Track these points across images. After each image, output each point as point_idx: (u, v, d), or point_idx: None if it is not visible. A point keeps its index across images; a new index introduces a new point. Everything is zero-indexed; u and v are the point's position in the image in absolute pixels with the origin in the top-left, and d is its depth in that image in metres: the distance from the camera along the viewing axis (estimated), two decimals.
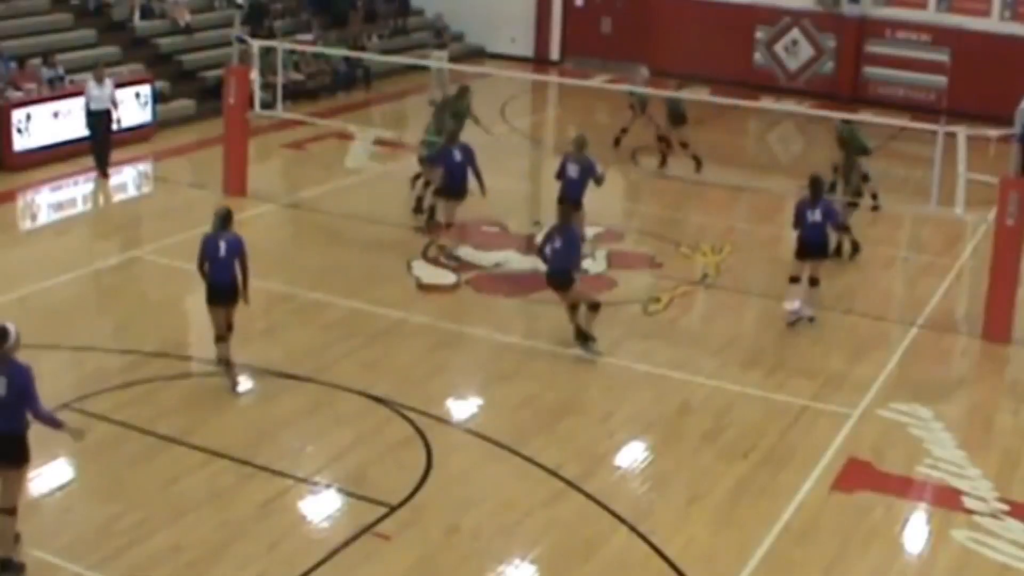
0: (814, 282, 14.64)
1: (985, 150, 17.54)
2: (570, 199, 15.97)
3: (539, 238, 14.58)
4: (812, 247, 14.56)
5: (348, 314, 14.55)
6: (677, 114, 20.51)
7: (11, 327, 9.12)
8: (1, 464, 9.05)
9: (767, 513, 10.68)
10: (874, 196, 17.74)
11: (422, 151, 17.87)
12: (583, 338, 13.54)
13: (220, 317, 12.18)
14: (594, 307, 13.54)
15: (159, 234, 16.99)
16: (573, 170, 16.09)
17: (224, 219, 12.18)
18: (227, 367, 12.33)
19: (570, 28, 30.53)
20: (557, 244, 13.52)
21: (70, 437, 9.46)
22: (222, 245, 12.06)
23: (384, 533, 10.07)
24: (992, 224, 15.43)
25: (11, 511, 9.14)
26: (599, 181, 16.21)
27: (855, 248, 17.01)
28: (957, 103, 25.73)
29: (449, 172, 16.21)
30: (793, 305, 14.65)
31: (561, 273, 13.50)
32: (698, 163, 20.45)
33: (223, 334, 12.22)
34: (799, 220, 14.55)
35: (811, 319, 14.65)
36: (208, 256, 12.06)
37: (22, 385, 8.93)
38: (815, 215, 14.41)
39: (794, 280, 14.67)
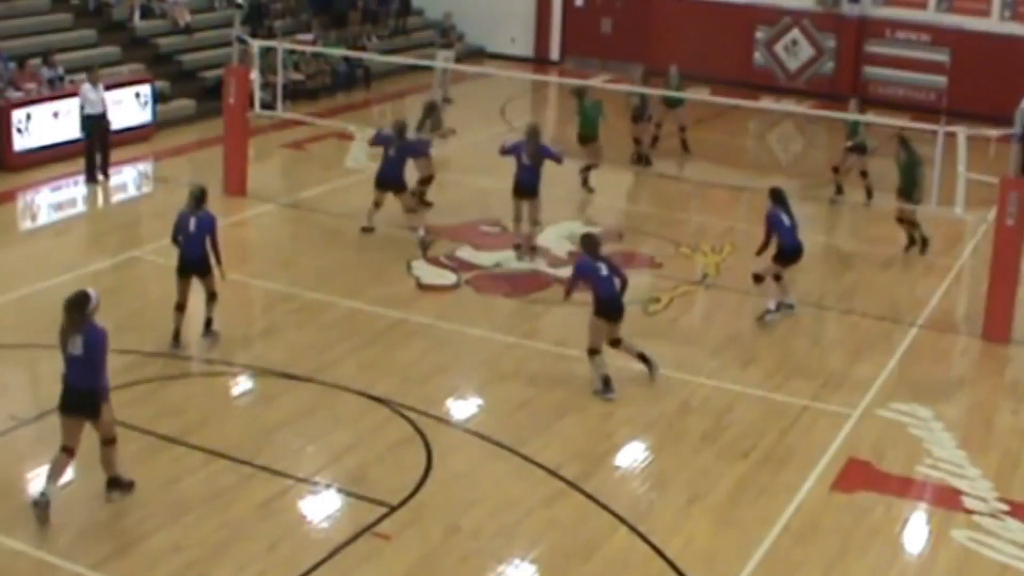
0: (778, 277, 14.77)
1: (985, 150, 17.56)
2: (525, 187, 16.25)
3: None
4: (798, 252, 14.66)
5: (348, 314, 14.55)
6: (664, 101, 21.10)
7: (92, 292, 10.18)
8: (83, 416, 10.03)
9: (767, 513, 10.68)
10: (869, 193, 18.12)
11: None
12: (645, 358, 13.28)
13: (185, 288, 13.25)
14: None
15: (159, 234, 16.91)
16: (526, 156, 16.31)
17: (198, 198, 13.18)
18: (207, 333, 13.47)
19: (570, 28, 30.53)
20: (604, 273, 12.59)
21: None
22: (193, 222, 13.05)
23: (384, 533, 10.07)
24: (992, 224, 15.43)
25: (111, 441, 10.21)
26: (559, 160, 16.54)
27: (924, 243, 17.32)
28: (957, 103, 25.72)
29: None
30: (774, 303, 14.84)
31: (620, 299, 12.77)
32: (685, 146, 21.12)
33: (183, 303, 13.27)
34: (777, 228, 14.48)
35: (770, 313, 14.82)
36: (181, 231, 13.10)
37: (96, 347, 9.88)
38: (790, 220, 14.50)
39: (779, 278, 14.76)
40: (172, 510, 10.23)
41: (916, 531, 10.72)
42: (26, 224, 18.41)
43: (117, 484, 10.39)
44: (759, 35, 28.59)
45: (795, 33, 28.25)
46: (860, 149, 19.03)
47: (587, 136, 19.62)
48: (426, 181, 17.99)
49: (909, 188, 16.94)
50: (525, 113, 25.88)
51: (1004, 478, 11.48)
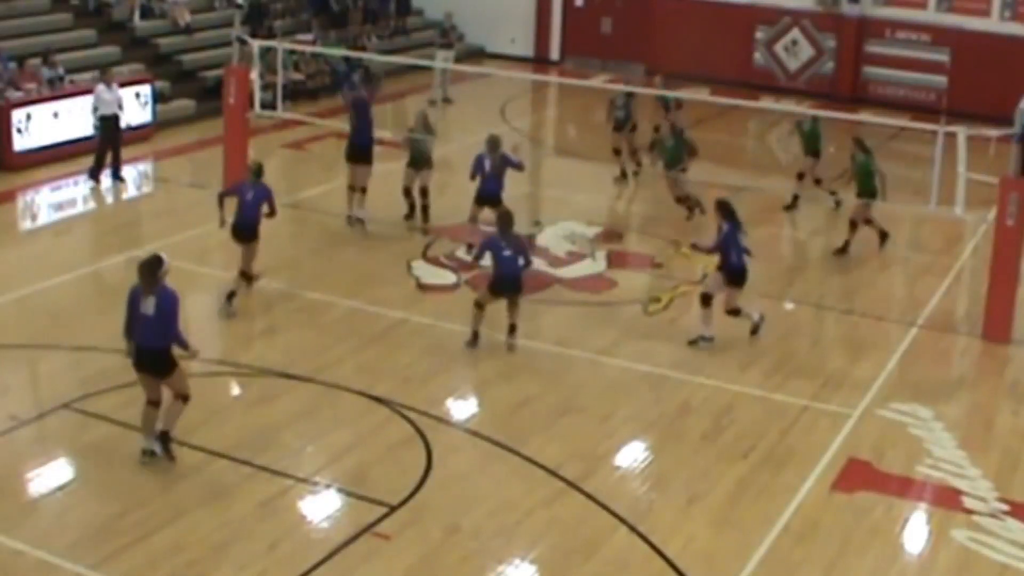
0: (736, 312, 13.95)
1: (985, 150, 17.55)
2: (489, 196, 16.22)
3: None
4: (745, 274, 13.84)
5: (348, 314, 14.56)
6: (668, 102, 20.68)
7: (164, 256, 10.90)
8: (153, 374, 10.66)
9: (767, 513, 10.68)
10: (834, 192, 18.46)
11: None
12: (513, 331, 13.76)
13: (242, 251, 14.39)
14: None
15: (159, 234, 16.98)
16: (488, 165, 16.34)
17: (257, 172, 14.50)
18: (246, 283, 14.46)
19: (570, 28, 30.52)
20: (507, 252, 13.53)
21: (189, 357, 10.90)
22: (251, 192, 14.29)
23: (384, 533, 10.07)
24: (992, 224, 15.43)
25: (182, 397, 10.76)
26: (520, 168, 16.57)
27: (883, 236, 17.29)
28: (957, 103, 25.72)
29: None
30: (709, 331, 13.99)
31: (517, 279, 13.59)
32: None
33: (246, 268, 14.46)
34: (732, 246, 13.76)
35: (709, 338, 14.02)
36: (239, 197, 14.39)
37: (168, 308, 10.53)
38: (743, 240, 13.87)
39: (735, 312, 13.92)
40: (172, 510, 10.23)
41: (916, 531, 10.72)
42: (26, 224, 18.41)
43: (166, 442, 10.83)
44: (759, 35, 28.59)
45: (795, 33, 28.25)
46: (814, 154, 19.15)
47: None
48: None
49: (867, 189, 16.89)
50: (525, 113, 25.92)
51: (1004, 478, 11.48)
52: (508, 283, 13.59)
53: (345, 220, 17.34)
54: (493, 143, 16.53)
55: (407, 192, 17.65)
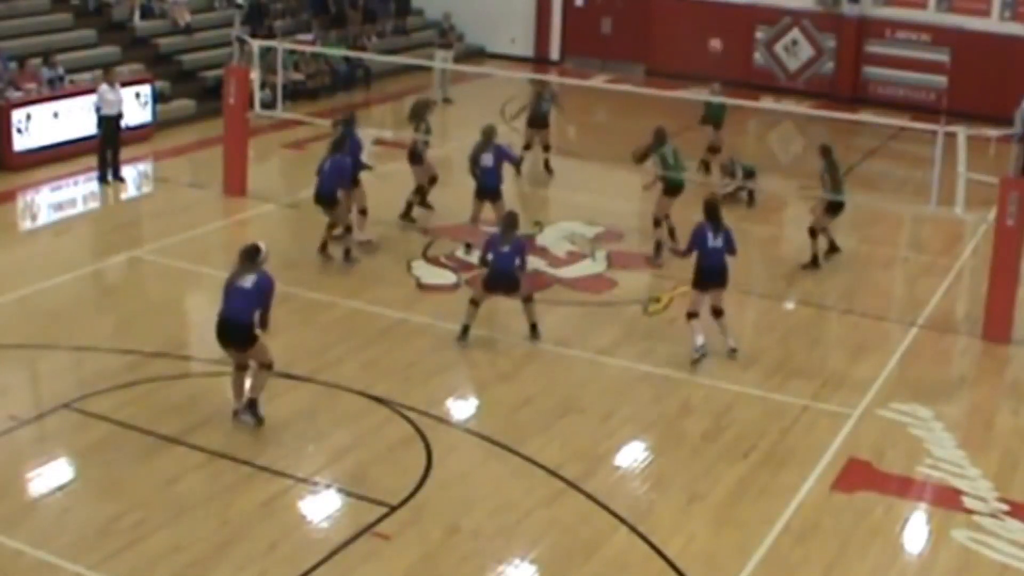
0: (718, 313, 13.65)
1: (985, 150, 17.57)
2: (488, 190, 16.28)
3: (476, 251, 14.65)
4: (714, 274, 13.55)
5: (348, 314, 14.56)
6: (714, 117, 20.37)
7: (263, 244, 11.75)
8: (236, 347, 11.47)
9: (767, 513, 10.68)
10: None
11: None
12: (535, 330, 13.81)
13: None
14: (528, 299, 13.88)
15: (159, 234, 17.00)
16: (488, 159, 16.37)
17: (338, 143, 15.98)
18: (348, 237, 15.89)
19: (570, 28, 30.52)
20: (504, 248, 13.59)
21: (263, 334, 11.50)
22: (328, 163, 15.68)
23: (384, 533, 10.07)
24: (992, 224, 15.43)
25: (266, 366, 11.52)
26: (517, 165, 16.63)
27: (832, 248, 16.93)
28: (957, 103, 25.73)
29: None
30: (700, 340, 13.53)
31: (511, 276, 13.62)
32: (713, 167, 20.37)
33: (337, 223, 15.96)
34: (698, 245, 13.52)
35: (733, 350, 13.69)
36: (319, 170, 15.76)
37: (265, 290, 11.37)
38: (716, 240, 13.51)
39: (693, 315, 13.56)
40: (172, 510, 10.23)
41: (916, 531, 10.72)
42: (26, 224, 18.40)
43: (254, 410, 11.55)
44: (759, 35, 28.58)
45: (795, 33, 28.25)
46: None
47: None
48: (430, 182, 17.92)
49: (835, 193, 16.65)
50: (525, 113, 25.85)
51: (1004, 478, 11.48)
52: (502, 279, 13.62)
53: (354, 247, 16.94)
54: (488, 134, 16.56)
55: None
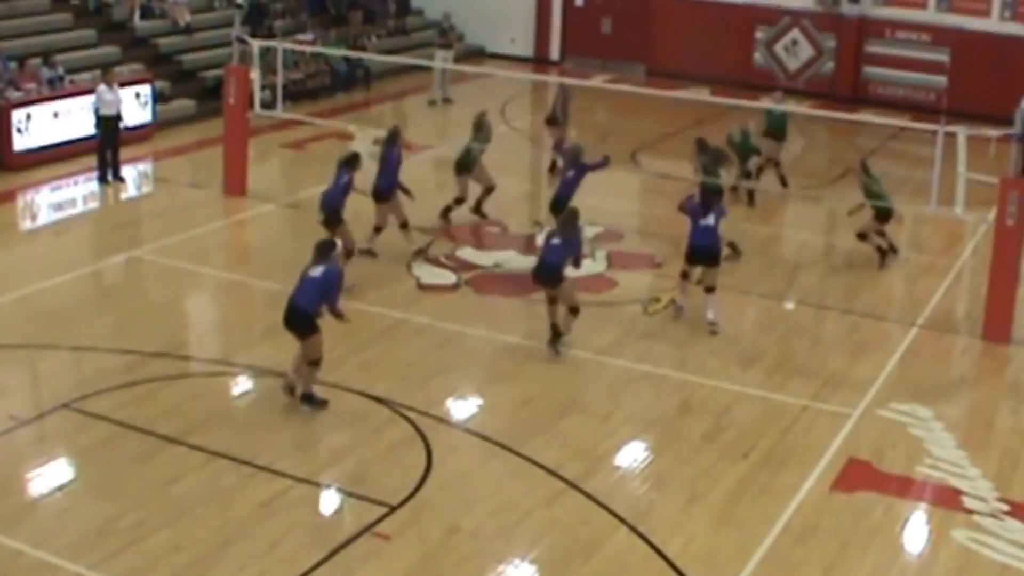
0: (710, 289, 14.34)
1: (985, 150, 17.55)
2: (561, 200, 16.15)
3: (540, 239, 14.59)
4: (702, 252, 14.29)
5: (348, 314, 14.52)
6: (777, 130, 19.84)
7: (338, 240, 12.73)
8: (296, 333, 11.91)
9: (767, 513, 10.68)
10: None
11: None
12: (556, 335, 13.61)
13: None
14: (574, 310, 13.58)
15: (159, 234, 16.99)
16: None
17: (392, 137, 16.14)
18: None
19: (570, 28, 30.52)
20: (556, 240, 13.57)
21: (343, 323, 12.10)
22: (390, 152, 15.93)
23: (384, 533, 10.07)
24: (992, 224, 15.43)
25: (313, 363, 11.91)
26: (595, 168, 16.55)
27: (892, 249, 16.98)
28: (957, 103, 25.71)
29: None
30: (681, 301, 14.67)
31: (551, 268, 13.48)
32: (783, 181, 19.79)
33: (395, 224, 16.07)
34: (691, 222, 14.41)
35: (712, 323, 14.31)
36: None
37: (331, 280, 11.84)
38: (708, 219, 14.26)
39: (684, 275, 14.59)
40: (172, 510, 10.23)
41: (916, 531, 10.72)
42: (26, 224, 18.40)
43: (310, 399, 12.01)
44: (759, 35, 28.57)
45: (795, 33, 28.24)
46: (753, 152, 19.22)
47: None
48: (486, 192, 17.76)
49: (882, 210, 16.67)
50: (525, 113, 25.89)
51: (1004, 478, 11.48)
52: (543, 270, 13.49)
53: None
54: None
55: None
